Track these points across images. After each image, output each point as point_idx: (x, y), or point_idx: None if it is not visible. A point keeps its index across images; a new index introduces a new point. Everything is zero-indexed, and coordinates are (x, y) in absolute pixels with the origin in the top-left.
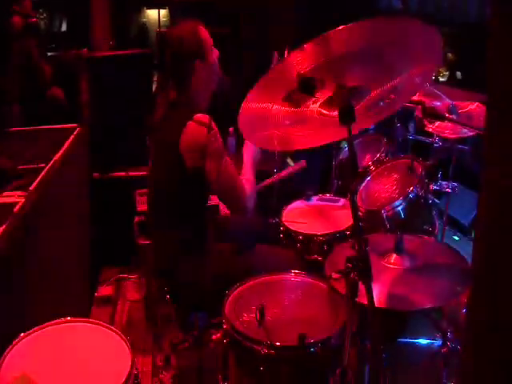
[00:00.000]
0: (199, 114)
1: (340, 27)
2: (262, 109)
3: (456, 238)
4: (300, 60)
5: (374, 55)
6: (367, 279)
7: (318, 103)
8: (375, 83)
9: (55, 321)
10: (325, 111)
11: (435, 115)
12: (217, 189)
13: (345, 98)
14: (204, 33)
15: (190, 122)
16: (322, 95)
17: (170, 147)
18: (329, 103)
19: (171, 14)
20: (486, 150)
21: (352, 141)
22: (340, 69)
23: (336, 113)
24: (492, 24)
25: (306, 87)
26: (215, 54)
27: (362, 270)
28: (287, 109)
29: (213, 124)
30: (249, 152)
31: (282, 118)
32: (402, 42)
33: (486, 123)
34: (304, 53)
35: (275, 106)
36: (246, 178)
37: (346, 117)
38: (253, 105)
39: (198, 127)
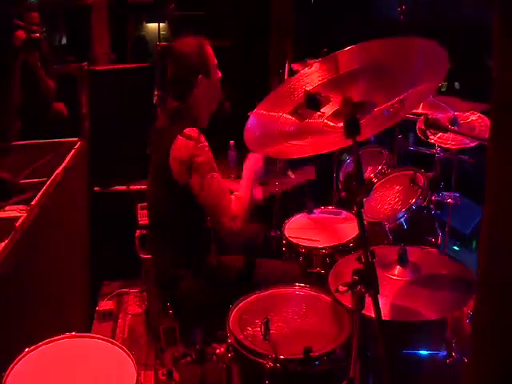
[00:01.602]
0: (188, 128)
1: (347, 48)
2: (269, 119)
3: (456, 248)
4: (308, 76)
5: (380, 71)
6: (374, 292)
7: (324, 117)
8: (381, 98)
9: (59, 336)
10: (330, 123)
11: (438, 126)
12: (201, 203)
13: (350, 113)
14: (209, 50)
15: (179, 137)
16: (328, 109)
17: (162, 162)
18: (334, 116)
19: (171, 28)
20: (491, 159)
21: (358, 154)
22: (346, 84)
23: (341, 124)
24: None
25: (312, 103)
26: (218, 75)
27: (368, 283)
28: (293, 120)
29: (202, 137)
30: (250, 167)
31: (287, 128)
32: (408, 58)
33: (490, 132)
34: (313, 70)
35: (282, 117)
36: (239, 196)
37: (352, 131)
38: (260, 115)
39: (185, 141)
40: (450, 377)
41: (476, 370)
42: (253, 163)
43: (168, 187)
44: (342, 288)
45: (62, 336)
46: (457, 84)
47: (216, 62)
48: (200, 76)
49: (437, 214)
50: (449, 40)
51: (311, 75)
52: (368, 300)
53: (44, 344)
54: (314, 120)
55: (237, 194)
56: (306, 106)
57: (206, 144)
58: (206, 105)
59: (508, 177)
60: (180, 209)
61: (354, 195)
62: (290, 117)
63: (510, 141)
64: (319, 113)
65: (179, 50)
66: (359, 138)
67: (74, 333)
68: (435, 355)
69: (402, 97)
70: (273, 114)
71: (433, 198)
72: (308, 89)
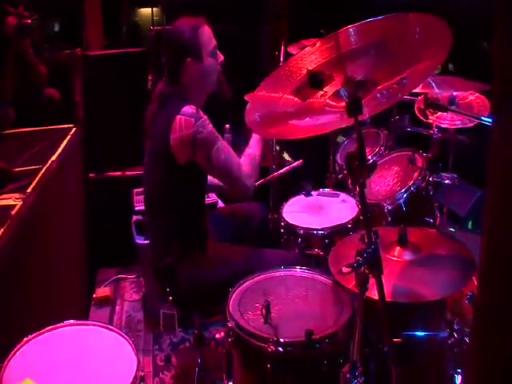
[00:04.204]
0: (186, 106)
1: (349, 26)
2: (270, 100)
3: (452, 229)
4: (309, 56)
5: (382, 49)
6: (378, 272)
7: (326, 97)
8: (383, 76)
9: (57, 324)
10: (332, 102)
11: (438, 106)
12: (215, 175)
13: (353, 91)
14: (205, 33)
15: (177, 116)
16: (331, 88)
17: (161, 146)
18: (336, 95)
19: (164, 12)
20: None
21: (361, 133)
22: (348, 63)
23: (343, 104)
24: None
25: (315, 82)
26: (220, 58)
27: (372, 263)
28: (294, 101)
29: (200, 112)
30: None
31: (288, 109)
32: (410, 35)
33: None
34: (314, 49)
35: (283, 98)
36: (249, 153)
37: (354, 109)
38: (261, 97)
39: (184, 120)
40: (451, 357)
41: (479, 354)
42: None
43: (167, 170)
44: (345, 269)
45: (60, 324)
46: (451, 66)
47: (214, 44)
48: (189, 59)
49: (434, 194)
50: (447, 20)
51: (312, 55)
52: (370, 281)
53: (43, 333)
54: (315, 100)
55: (248, 151)
56: (308, 86)
57: (206, 117)
58: (199, 88)
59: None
60: (178, 192)
61: (356, 175)
62: (291, 97)
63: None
64: (322, 92)
65: (172, 32)
66: (361, 118)
67: (72, 321)
68: (435, 336)
69: (404, 75)
70: (274, 95)
71: (431, 178)
72: (310, 68)
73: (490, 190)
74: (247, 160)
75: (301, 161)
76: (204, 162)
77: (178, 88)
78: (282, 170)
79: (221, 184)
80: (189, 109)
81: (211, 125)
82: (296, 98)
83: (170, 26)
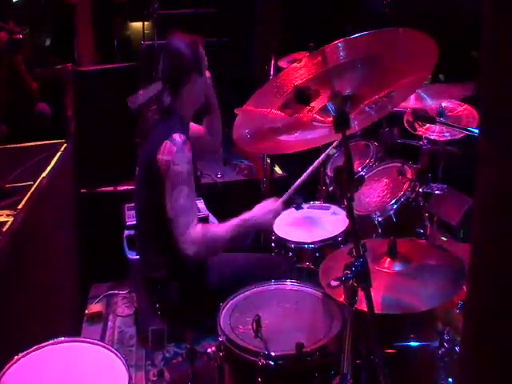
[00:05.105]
0: (176, 134)
1: (337, 41)
2: (258, 115)
3: (444, 238)
4: (298, 71)
5: (369, 64)
6: (366, 285)
7: (313, 112)
8: (370, 90)
9: (49, 342)
10: (320, 117)
11: (426, 118)
12: (168, 211)
13: (340, 106)
14: (202, 49)
15: (166, 141)
16: (318, 104)
17: (149, 162)
18: (323, 110)
19: (155, 27)
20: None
21: (348, 147)
22: (335, 78)
23: (330, 118)
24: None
25: (302, 97)
26: (207, 74)
27: (360, 277)
28: (282, 116)
29: (187, 147)
30: (258, 213)
31: (276, 124)
32: (396, 50)
33: (480, 123)
34: (302, 65)
35: (271, 113)
36: (211, 228)
37: (341, 124)
38: (249, 112)
39: (169, 145)
40: (442, 367)
41: (471, 360)
42: (265, 211)
43: (157, 184)
44: (333, 283)
45: (50, 342)
46: (441, 76)
47: (206, 60)
48: (193, 74)
49: (425, 205)
50: (435, 31)
51: (299, 70)
52: (360, 294)
53: (33, 350)
54: (303, 115)
55: (212, 224)
56: (295, 101)
57: (189, 155)
58: (195, 101)
59: (498, 166)
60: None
61: (344, 189)
62: (279, 112)
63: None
64: (309, 107)
65: (175, 47)
66: (351, 131)
67: (62, 338)
68: (427, 346)
69: (391, 89)
70: (261, 110)
71: (421, 189)
72: (297, 83)
73: (478, 198)
74: (205, 230)
75: (335, 143)
76: (167, 192)
77: (176, 102)
78: (311, 168)
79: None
80: (177, 137)
81: (191, 166)
82: (283, 113)
83: (165, 40)
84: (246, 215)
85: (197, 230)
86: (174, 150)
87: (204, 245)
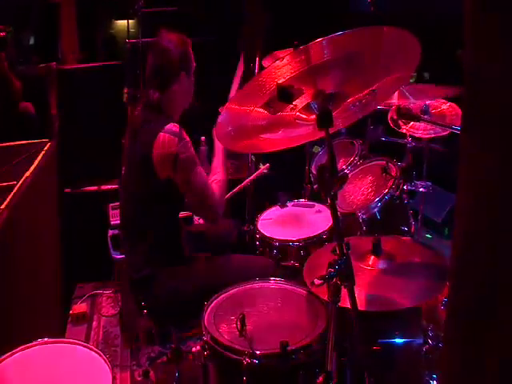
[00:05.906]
0: (170, 124)
1: (320, 39)
2: (241, 113)
3: (429, 236)
4: (280, 69)
5: (352, 62)
6: (350, 283)
7: (296, 110)
8: (353, 88)
9: (33, 343)
10: (303, 115)
11: (410, 116)
12: (190, 198)
13: (323, 104)
14: (191, 50)
15: (161, 134)
16: (301, 102)
17: (143, 160)
18: (306, 108)
19: (140, 25)
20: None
21: (332, 146)
22: (318, 76)
23: (313, 116)
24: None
25: (284, 95)
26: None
27: (344, 275)
28: (265, 114)
29: (183, 133)
30: (219, 147)
31: (259, 122)
32: (379, 48)
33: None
34: (284, 63)
35: (254, 111)
36: (217, 180)
37: (324, 122)
38: (232, 110)
39: (168, 137)
40: (426, 364)
41: (449, 356)
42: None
43: (147, 183)
44: (317, 281)
45: (34, 343)
46: (426, 74)
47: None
48: (182, 73)
49: (409, 202)
50: (419, 29)
51: (282, 68)
52: (343, 291)
53: (17, 351)
54: (286, 113)
55: (214, 178)
56: (278, 99)
57: (188, 140)
58: (182, 101)
59: (479, 164)
60: (154, 205)
61: (327, 187)
62: (262, 110)
63: (481, 127)
64: (291, 105)
65: (165, 45)
66: (331, 130)
67: (45, 339)
68: (411, 343)
69: (374, 87)
70: (244, 108)
71: (405, 187)
72: (280, 82)
73: (460, 194)
74: (217, 188)
75: (267, 165)
76: (183, 184)
77: (164, 100)
78: (248, 178)
79: None
80: (172, 127)
81: (192, 148)
82: (266, 112)
83: (152, 38)
84: (217, 150)
85: (217, 187)
86: (175, 140)
87: (223, 198)
